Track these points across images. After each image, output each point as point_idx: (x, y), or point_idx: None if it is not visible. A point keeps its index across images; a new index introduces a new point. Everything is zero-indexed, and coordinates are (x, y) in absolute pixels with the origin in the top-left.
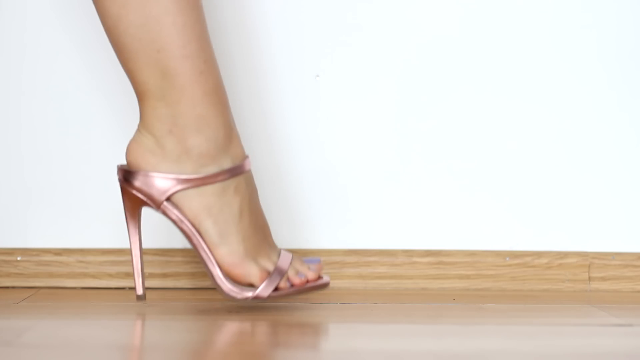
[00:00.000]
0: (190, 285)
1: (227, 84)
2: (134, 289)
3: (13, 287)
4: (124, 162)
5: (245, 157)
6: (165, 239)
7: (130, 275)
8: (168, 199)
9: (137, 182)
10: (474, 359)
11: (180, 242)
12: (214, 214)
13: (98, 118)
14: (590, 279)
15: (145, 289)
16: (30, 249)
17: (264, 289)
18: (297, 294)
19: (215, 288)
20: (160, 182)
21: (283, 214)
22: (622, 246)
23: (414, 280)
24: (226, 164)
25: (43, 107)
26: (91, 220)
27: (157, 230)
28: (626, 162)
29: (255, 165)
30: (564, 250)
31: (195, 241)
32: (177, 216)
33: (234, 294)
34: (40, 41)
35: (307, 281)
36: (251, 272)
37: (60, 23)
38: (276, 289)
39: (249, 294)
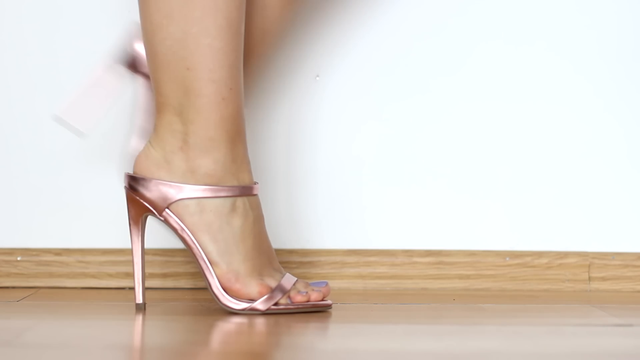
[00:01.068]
0: (190, 285)
1: None
2: (133, 289)
3: (13, 287)
4: (125, 162)
5: (253, 182)
6: (165, 239)
7: (131, 275)
8: (169, 207)
9: (141, 189)
10: (474, 359)
11: (180, 243)
12: (213, 231)
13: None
14: (590, 279)
15: (144, 300)
16: (30, 249)
17: (262, 303)
18: (296, 311)
19: (216, 298)
20: (163, 189)
21: (283, 214)
22: (622, 246)
23: (414, 280)
24: (230, 183)
25: (43, 107)
26: (91, 220)
27: (157, 230)
28: (626, 162)
29: (255, 165)
30: (564, 250)
31: (195, 252)
32: (178, 224)
33: (231, 304)
34: (41, 41)
35: (309, 300)
36: (250, 288)
37: (60, 23)
38: (276, 304)
39: (246, 305)
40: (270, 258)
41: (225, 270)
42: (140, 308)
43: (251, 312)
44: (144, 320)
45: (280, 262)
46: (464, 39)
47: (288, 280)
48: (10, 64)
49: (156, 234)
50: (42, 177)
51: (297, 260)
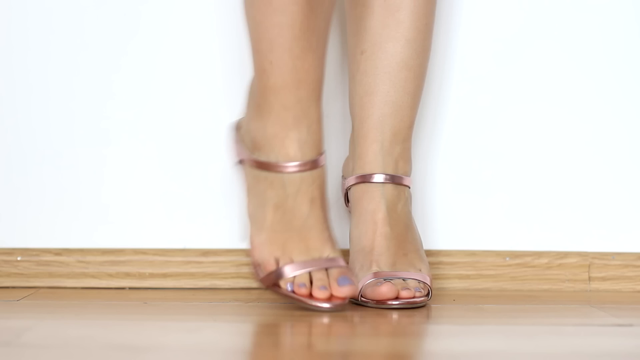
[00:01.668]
0: (190, 285)
1: (227, 83)
2: (135, 288)
3: (13, 287)
4: (125, 162)
5: (293, 160)
6: (166, 239)
7: (130, 275)
8: (240, 161)
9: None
10: (474, 359)
11: (180, 242)
12: (250, 194)
13: (98, 118)
14: (590, 279)
15: None
16: (30, 249)
17: (263, 278)
18: (293, 300)
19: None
20: (236, 143)
21: None
22: (622, 246)
23: None
24: (266, 159)
25: (43, 107)
26: (91, 220)
27: (157, 231)
28: (626, 162)
29: None
30: (564, 250)
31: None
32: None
33: (253, 267)
34: (41, 40)
35: (309, 295)
36: (261, 261)
37: (61, 24)
38: (278, 286)
39: (259, 274)
40: (303, 236)
41: (253, 231)
42: None
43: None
44: (144, 320)
45: None
46: (465, 39)
47: (293, 267)
48: (9, 65)
49: (156, 234)
50: (42, 177)
51: None
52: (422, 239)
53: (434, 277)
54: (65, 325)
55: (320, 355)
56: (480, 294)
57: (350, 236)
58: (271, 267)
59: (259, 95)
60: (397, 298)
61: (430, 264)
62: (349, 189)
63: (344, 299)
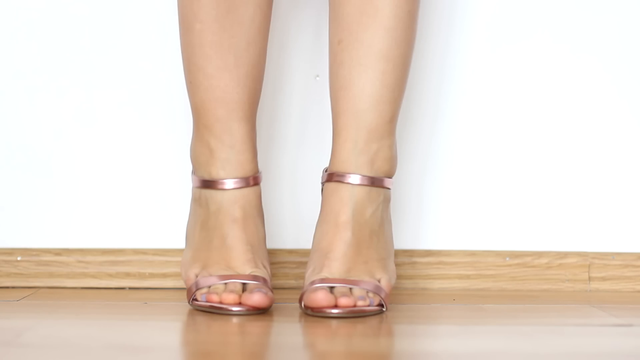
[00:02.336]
0: None
1: None
2: (135, 288)
3: (13, 287)
4: (125, 162)
5: (219, 177)
6: (166, 239)
7: (130, 275)
8: None
9: None
10: (474, 359)
11: (180, 242)
12: (190, 212)
13: (98, 118)
14: (590, 279)
15: None
16: (30, 249)
17: (187, 294)
18: (208, 309)
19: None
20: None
21: (285, 215)
22: (622, 246)
23: (414, 280)
24: (199, 174)
25: (43, 107)
26: (91, 220)
27: (157, 231)
28: (626, 162)
29: (261, 164)
30: (564, 250)
31: None
32: None
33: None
34: (43, 40)
35: (219, 302)
36: (185, 278)
37: (59, 24)
38: (196, 299)
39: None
40: (228, 257)
41: (185, 249)
42: None
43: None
44: (144, 320)
45: (280, 262)
46: (465, 39)
47: (208, 279)
48: (9, 65)
49: (156, 234)
50: (42, 177)
51: (297, 260)
52: (421, 238)
53: (434, 277)
54: (65, 325)
55: (320, 355)
56: (480, 294)
57: (314, 235)
58: (190, 282)
59: (193, 113)
60: (336, 306)
61: (430, 264)
62: (323, 185)
63: (252, 306)
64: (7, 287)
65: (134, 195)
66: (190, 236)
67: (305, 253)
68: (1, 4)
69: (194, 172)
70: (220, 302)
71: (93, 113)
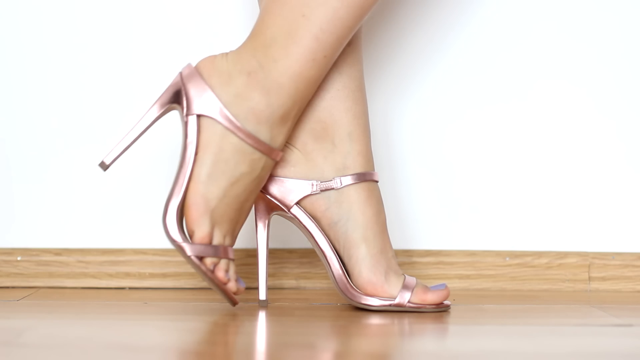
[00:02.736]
0: (190, 285)
1: None
2: (133, 289)
3: (13, 287)
4: (125, 162)
5: (280, 150)
6: (165, 239)
7: (130, 275)
8: (199, 115)
9: (188, 84)
10: (474, 359)
11: None
12: (216, 155)
13: (98, 118)
14: (590, 279)
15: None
16: (30, 249)
17: (191, 248)
18: (210, 281)
19: (163, 214)
20: (208, 96)
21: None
22: (622, 246)
23: None
24: (263, 136)
25: (43, 107)
26: (91, 220)
27: (157, 231)
28: (626, 162)
29: None
30: (564, 250)
31: (185, 163)
32: (193, 133)
33: (170, 228)
34: (37, 41)
35: (225, 283)
36: (202, 225)
37: (56, 25)
38: (202, 260)
39: (179, 240)
40: (239, 220)
41: (200, 192)
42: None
43: (179, 249)
44: (144, 320)
45: (281, 262)
46: (466, 39)
47: (225, 250)
48: (8, 65)
49: (156, 234)
50: (42, 177)
51: (297, 260)
52: (421, 238)
53: (433, 277)
54: (65, 325)
55: (320, 355)
56: (480, 294)
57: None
58: (207, 239)
59: (286, 77)
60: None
61: (430, 264)
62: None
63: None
64: (7, 287)
65: (133, 195)
66: (219, 181)
67: (305, 253)
68: None
69: (250, 127)
70: (226, 283)
71: (92, 113)
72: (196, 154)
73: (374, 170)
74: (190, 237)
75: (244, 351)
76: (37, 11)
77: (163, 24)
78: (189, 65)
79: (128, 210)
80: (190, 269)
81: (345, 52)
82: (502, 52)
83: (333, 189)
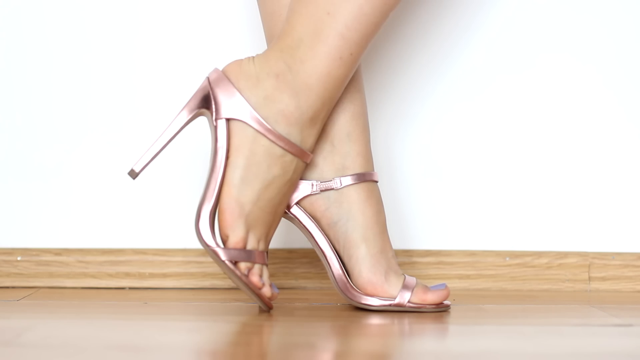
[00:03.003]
0: (190, 285)
1: None
2: (133, 289)
3: (13, 287)
4: (125, 162)
5: (310, 152)
6: (166, 239)
7: (130, 275)
8: (228, 119)
9: (218, 89)
10: (474, 359)
11: (180, 242)
12: (248, 158)
13: (98, 118)
14: (590, 279)
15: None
16: (30, 249)
17: (225, 252)
18: (245, 285)
19: (196, 219)
20: (238, 101)
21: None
22: (622, 246)
23: None
24: (294, 138)
25: (42, 107)
26: (91, 220)
27: (157, 231)
28: (626, 162)
29: None
30: (564, 250)
31: (216, 168)
32: (223, 136)
33: (204, 233)
34: (38, 45)
35: (260, 288)
36: (236, 229)
37: (62, 25)
38: (236, 264)
39: (213, 244)
40: (273, 222)
41: (235, 194)
42: (132, 174)
43: (213, 254)
44: (144, 320)
45: (281, 262)
46: (467, 40)
47: (260, 255)
48: (9, 65)
49: (156, 234)
50: (42, 177)
51: (297, 260)
52: (421, 238)
53: (433, 277)
54: (65, 325)
55: (320, 355)
56: (480, 294)
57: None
58: (242, 243)
59: (314, 77)
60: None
61: (430, 263)
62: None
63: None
64: (7, 287)
65: (133, 195)
66: (253, 186)
67: (304, 253)
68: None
69: (280, 128)
70: (260, 288)
71: (92, 113)
72: (227, 158)
73: (373, 170)
74: (224, 241)
75: (244, 351)
76: (39, 11)
77: (168, 23)
78: (215, 69)
79: (128, 210)
80: (190, 269)
81: None
82: (502, 53)
83: (333, 189)
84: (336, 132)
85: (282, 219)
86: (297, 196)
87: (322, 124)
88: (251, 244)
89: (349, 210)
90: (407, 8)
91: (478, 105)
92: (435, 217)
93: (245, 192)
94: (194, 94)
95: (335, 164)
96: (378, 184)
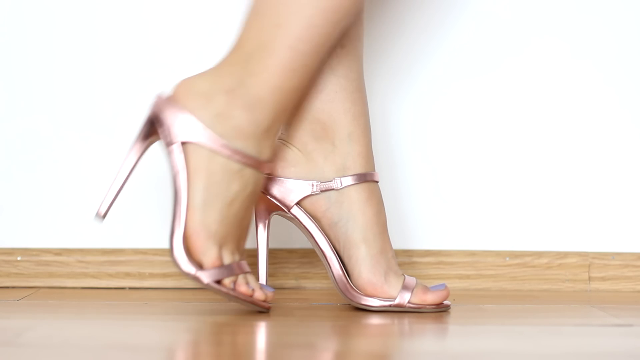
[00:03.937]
0: (190, 285)
1: None
2: (133, 289)
3: (13, 287)
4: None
5: (268, 162)
6: (165, 239)
7: (130, 275)
8: (183, 143)
9: (165, 112)
10: (474, 359)
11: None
12: (207, 179)
13: (98, 118)
14: (590, 279)
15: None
16: (30, 249)
17: (206, 275)
18: (236, 298)
19: (170, 248)
20: (186, 122)
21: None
22: (622, 246)
23: None
24: (250, 151)
25: (44, 107)
26: (91, 220)
27: (157, 231)
28: (626, 163)
29: None
30: (564, 250)
31: (180, 193)
32: (180, 161)
33: (181, 262)
34: (47, 39)
35: (251, 295)
36: (207, 252)
37: (54, 26)
38: (219, 282)
39: (192, 271)
40: (241, 236)
41: (198, 220)
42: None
43: (194, 280)
44: (144, 320)
45: (281, 262)
46: (466, 40)
47: (240, 266)
48: (10, 65)
49: (156, 234)
50: (42, 177)
51: (297, 260)
52: (421, 238)
53: (433, 277)
54: (65, 325)
55: (320, 355)
56: (480, 294)
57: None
58: (218, 262)
59: (266, 90)
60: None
61: (430, 264)
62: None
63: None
64: (7, 287)
65: (133, 196)
66: (216, 207)
67: (305, 253)
68: None
69: (236, 143)
70: (252, 296)
71: (92, 113)
72: (187, 181)
73: (374, 170)
74: (200, 265)
75: (245, 351)
76: (39, 11)
77: (168, 23)
78: (158, 95)
79: (128, 210)
80: None
81: (341, 54)
82: (502, 55)
83: (333, 189)
84: (337, 132)
85: (282, 219)
86: (297, 196)
87: (278, 132)
88: (227, 259)
89: (350, 210)
90: (407, 8)
91: (478, 106)
92: (435, 217)
93: (209, 214)
94: (143, 124)
95: (336, 164)
96: (379, 184)
